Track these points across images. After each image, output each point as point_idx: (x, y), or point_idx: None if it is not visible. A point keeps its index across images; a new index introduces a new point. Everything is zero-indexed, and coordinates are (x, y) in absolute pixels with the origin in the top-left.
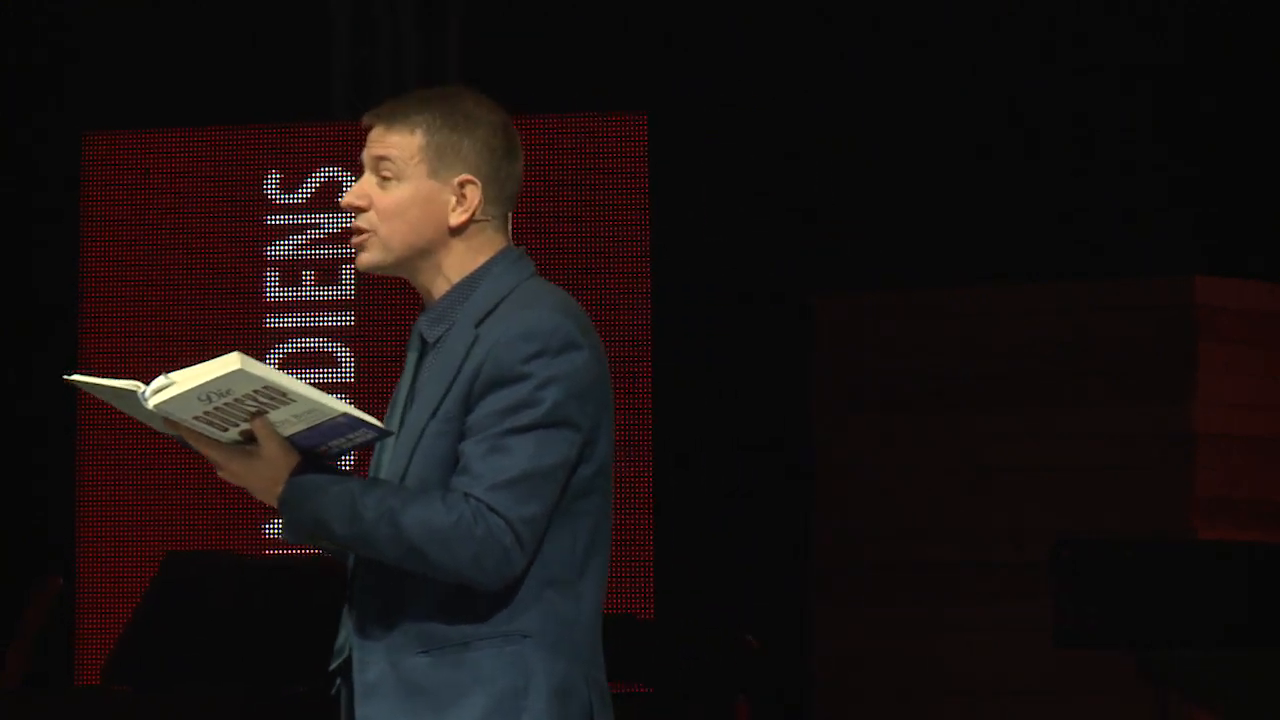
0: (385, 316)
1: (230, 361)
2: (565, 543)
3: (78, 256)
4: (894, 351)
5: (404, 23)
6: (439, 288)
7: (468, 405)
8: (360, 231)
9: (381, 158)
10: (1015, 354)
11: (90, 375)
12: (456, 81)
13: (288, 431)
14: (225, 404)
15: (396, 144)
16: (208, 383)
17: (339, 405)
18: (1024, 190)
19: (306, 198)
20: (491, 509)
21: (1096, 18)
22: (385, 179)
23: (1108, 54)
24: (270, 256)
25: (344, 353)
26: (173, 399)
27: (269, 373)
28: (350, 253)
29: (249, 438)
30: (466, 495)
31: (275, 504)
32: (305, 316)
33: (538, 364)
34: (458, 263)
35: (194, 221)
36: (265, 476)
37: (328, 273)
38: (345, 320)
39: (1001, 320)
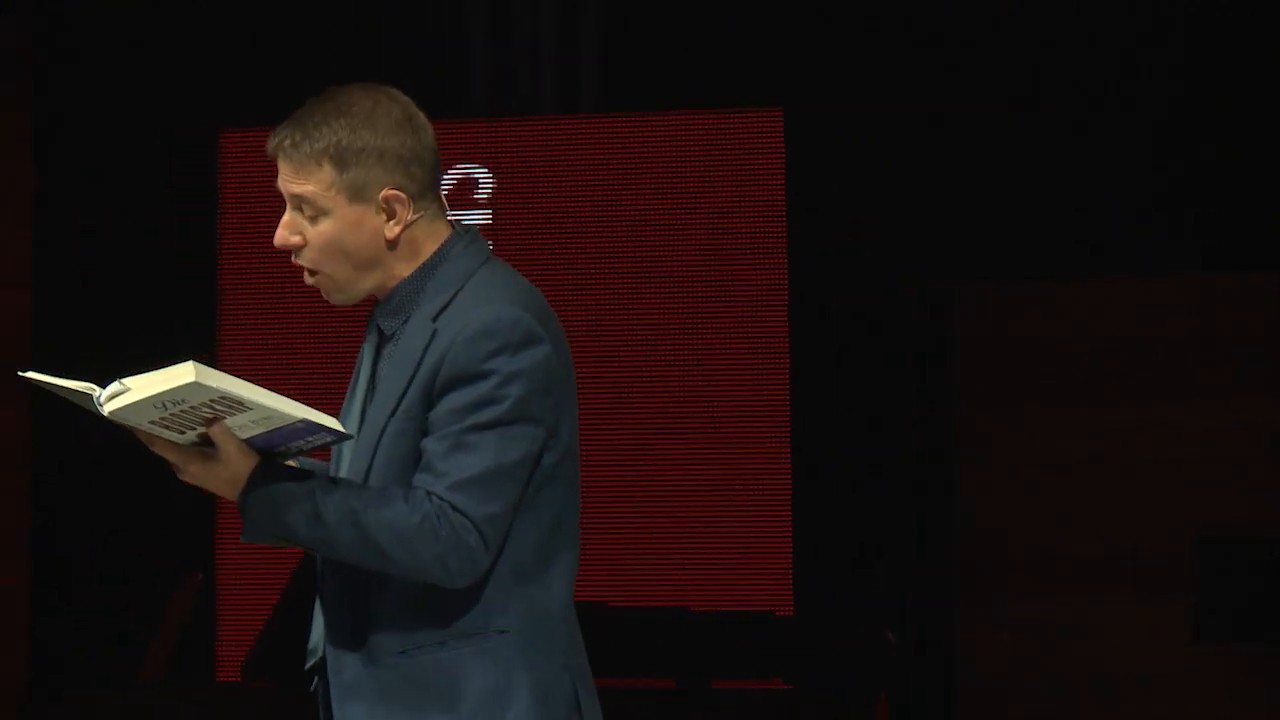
0: None
1: (185, 373)
2: (530, 534)
3: (215, 254)
4: (1036, 345)
5: (541, 19)
6: (391, 284)
7: (429, 402)
8: (311, 272)
9: (298, 197)
10: (1157, 346)
11: (47, 375)
12: (593, 77)
13: (246, 435)
14: (180, 411)
15: (309, 181)
16: (162, 393)
17: (296, 411)
18: (1161, 183)
19: (444, 194)
20: (455, 508)
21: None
22: (309, 217)
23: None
24: None
25: None
26: (126, 406)
27: (224, 381)
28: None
29: (207, 440)
30: (429, 494)
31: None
32: None
33: (499, 361)
34: (406, 262)
35: None
36: (224, 479)
37: None
38: None
39: (1144, 313)
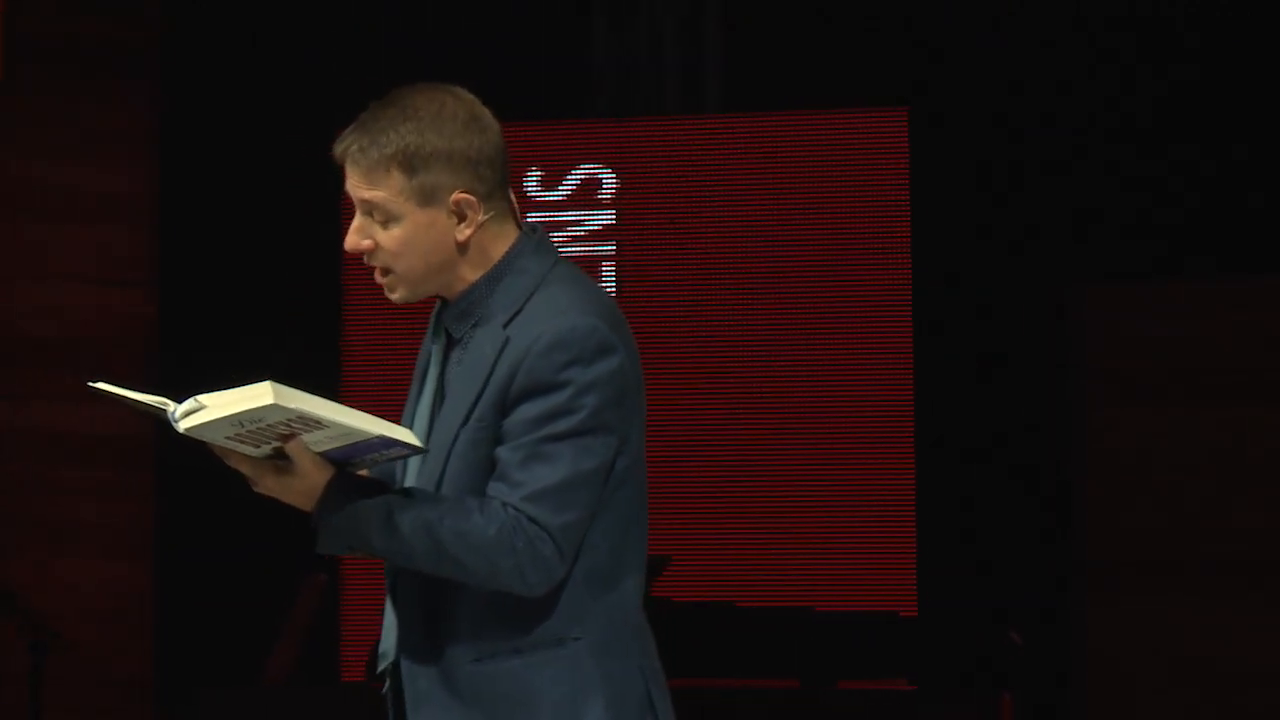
0: (645, 312)
1: (263, 393)
2: (604, 539)
3: (340, 255)
4: (1165, 343)
5: (664, 20)
6: (460, 287)
7: (502, 410)
8: (383, 273)
9: (369, 203)
10: None
11: (118, 387)
12: (716, 77)
13: (321, 449)
14: (257, 428)
15: (378, 187)
16: (240, 413)
17: (373, 426)
18: None
19: (567, 195)
20: (531, 519)
21: None
22: (380, 222)
23: None
24: None
25: None
26: (203, 424)
27: (301, 401)
28: (611, 249)
29: (282, 453)
30: (505, 504)
31: (311, 517)
32: None
33: (573, 371)
34: (476, 264)
35: None
36: (300, 492)
37: (589, 270)
38: None
39: (1273, 312)
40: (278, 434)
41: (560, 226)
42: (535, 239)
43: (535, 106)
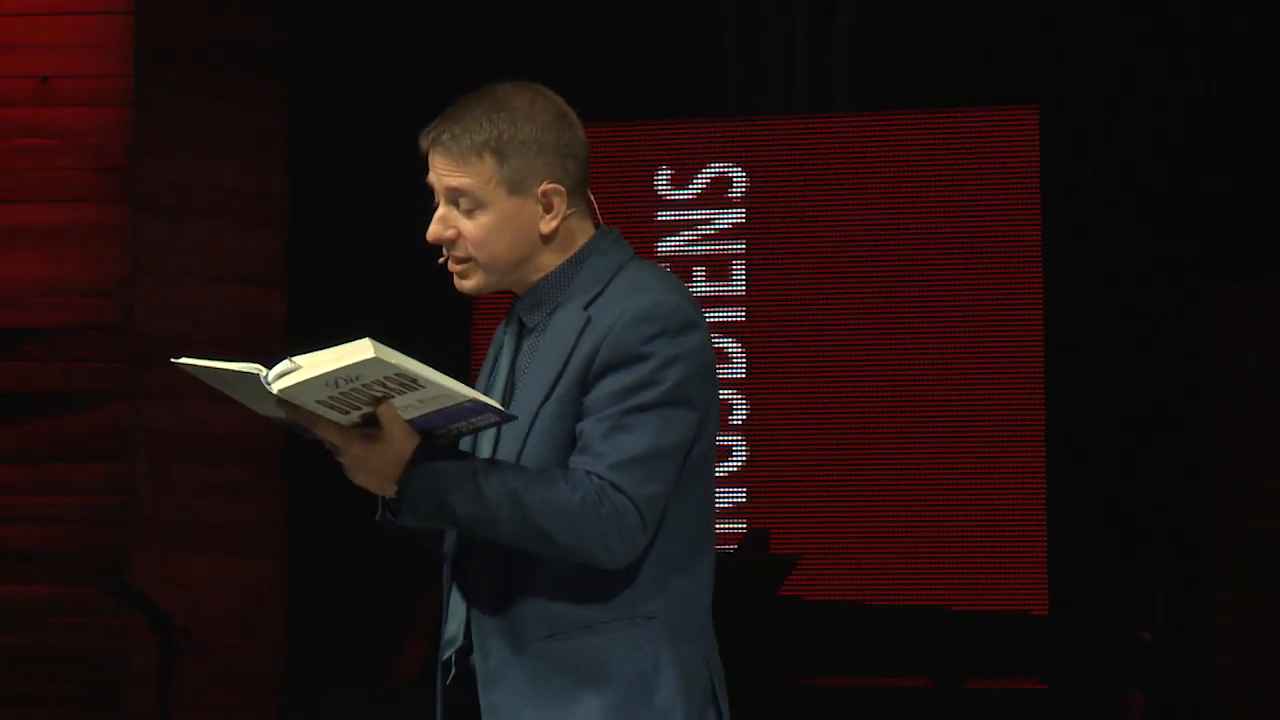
0: (777, 312)
1: (364, 348)
2: (678, 523)
3: None
4: None
5: (793, 18)
6: (536, 278)
7: (584, 387)
8: (460, 261)
9: (457, 190)
10: None
11: (208, 360)
12: (845, 75)
13: (409, 415)
14: (351, 389)
15: (468, 174)
16: (339, 369)
17: (466, 391)
18: None
19: (698, 193)
20: (616, 487)
21: None
22: (466, 210)
23: None
24: (661, 252)
25: (735, 348)
26: (300, 384)
27: (401, 359)
28: (741, 248)
29: (369, 420)
30: (589, 474)
31: (392, 487)
32: None
33: (658, 344)
34: (555, 255)
35: None
36: (387, 460)
37: (719, 268)
38: (737, 315)
39: None
40: (371, 396)
41: (690, 225)
42: (612, 235)
43: (666, 105)
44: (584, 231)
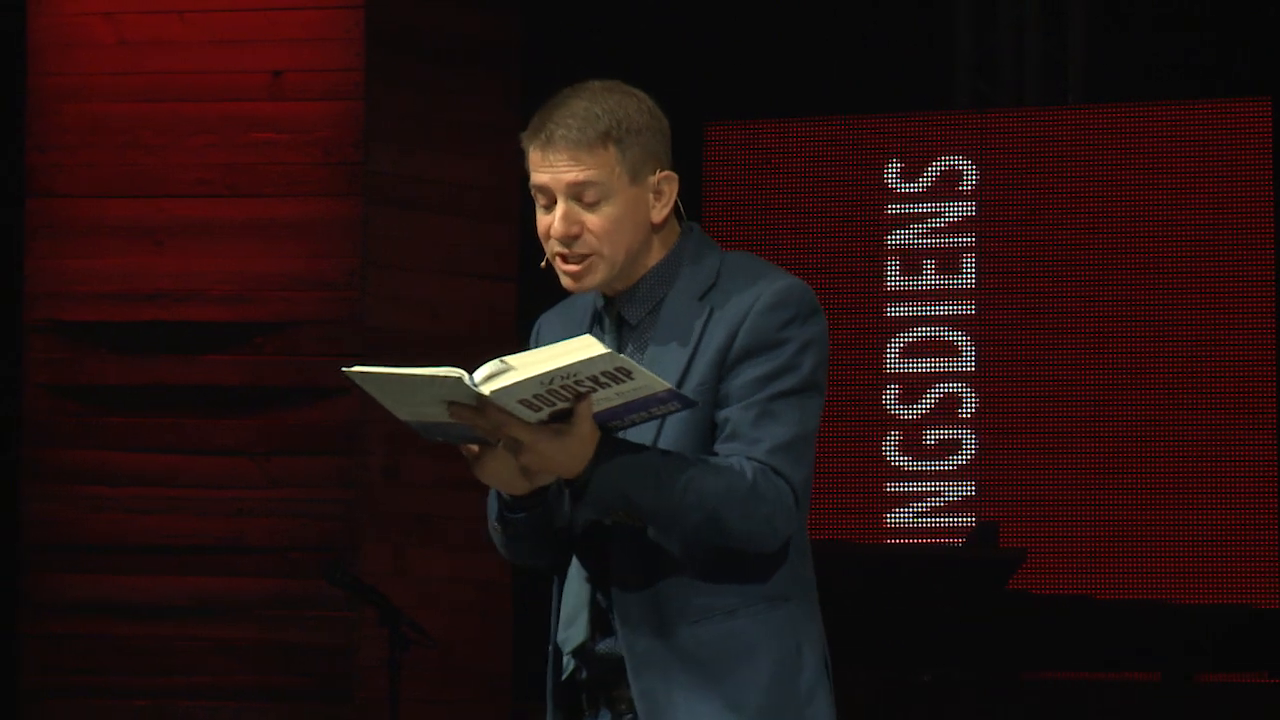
0: (1007, 305)
1: (590, 344)
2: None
3: None
4: None
5: (1026, 10)
6: (640, 273)
7: (720, 374)
8: (582, 258)
9: (581, 184)
10: None
11: (387, 367)
12: (1078, 68)
13: (599, 408)
14: (560, 386)
15: (596, 165)
16: (563, 366)
17: (662, 380)
18: None
19: (928, 186)
20: (776, 471)
21: None
22: (590, 203)
23: None
24: (891, 245)
25: (965, 341)
26: (516, 384)
27: (616, 353)
28: (971, 240)
29: (556, 417)
30: (750, 459)
31: (576, 480)
32: (926, 305)
33: (793, 329)
34: (657, 248)
35: (815, 210)
36: (574, 455)
37: (949, 262)
38: (966, 309)
39: None
40: (575, 392)
41: (920, 218)
42: (698, 228)
43: (897, 98)
44: (673, 222)
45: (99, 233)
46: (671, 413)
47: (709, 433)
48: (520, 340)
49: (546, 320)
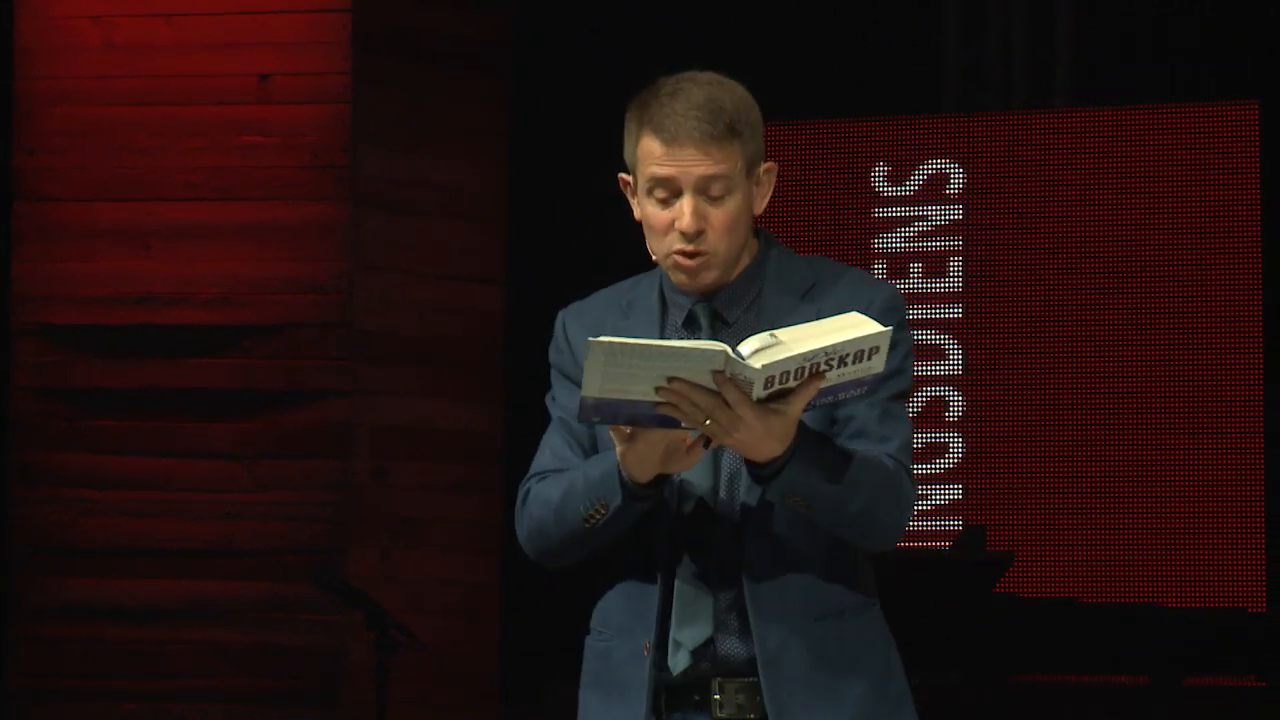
0: (994, 308)
1: (864, 323)
2: None
3: None
4: None
5: (1013, 15)
6: (731, 273)
7: None
8: (703, 254)
9: (711, 178)
10: None
11: (636, 339)
12: (1065, 71)
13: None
14: (822, 363)
15: (724, 159)
16: (837, 344)
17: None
18: None
19: (915, 189)
20: (906, 470)
21: None
22: (716, 198)
23: None
24: (878, 248)
25: (952, 345)
26: (787, 359)
27: None
28: (959, 244)
29: (773, 396)
30: (887, 454)
31: (771, 463)
32: (914, 309)
33: (903, 333)
34: (750, 246)
35: (801, 213)
36: (780, 437)
37: (936, 265)
38: (954, 313)
39: None
40: (815, 371)
41: (907, 221)
42: (763, 227)
43: (884, 101)
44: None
45: (87, 236)
46: (854, 398)
47: (828, 428)
48: (510, 343)
49: (571, 316)
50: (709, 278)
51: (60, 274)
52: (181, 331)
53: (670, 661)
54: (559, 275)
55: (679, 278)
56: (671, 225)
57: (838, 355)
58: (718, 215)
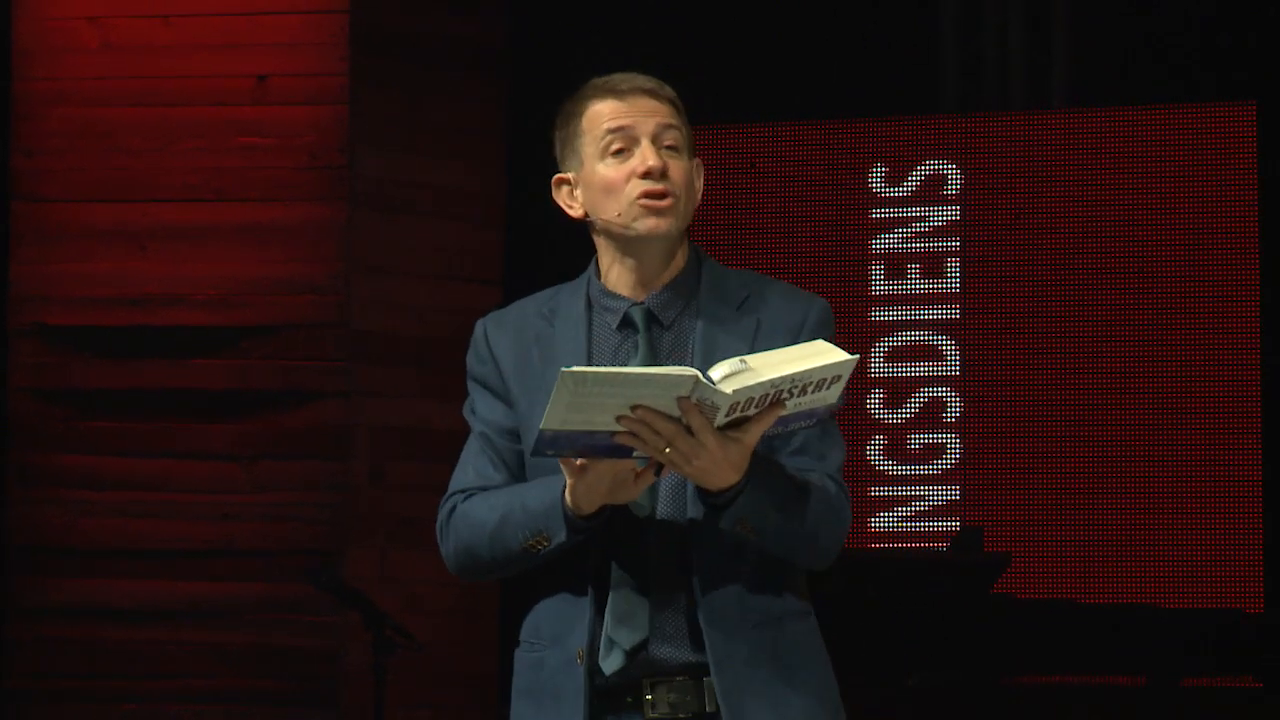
0: (992, 309)
1: (830, 350)
2: None
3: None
4: None
5: (1010, 14)
6: (665, 270)
7: None
8: (668, 194)
9: (666, 126)
10: None
11: (606, 367)
12: (1063, 72)
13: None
14: (787, 390)
15: (673, 117)
16: (805, 371)
17: (839, 395)
18: None
19: (912, 190)
20: (844, 490)
21: None
22: (672, 149)
23: None
24: (875, 250)
25: (949, 346)
26: (755, 385)
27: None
28: (956, 245)
29: (733, 424)
30: (827, 475)
31: (725, 491)
32: (910, 310)
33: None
34: (683, 248)
35: (798, 214)
36: (735, 465)
37: (933, 266)
38: (950, 314)
39: None
40: (777, 400)
41: (904, 222)
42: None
43: (881, 102)
44: None
45: (85, 237)
46: (802, 429)
47: (768, 442)
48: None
49: (493, 324)
50: (665, 225)
51: (58, 275)
52: (179, 332)
53: (603, 662)
54: (557, 276)
55: (649, 223)
56: (631, 175)
57: (802, 383)
58: (675, 166)
